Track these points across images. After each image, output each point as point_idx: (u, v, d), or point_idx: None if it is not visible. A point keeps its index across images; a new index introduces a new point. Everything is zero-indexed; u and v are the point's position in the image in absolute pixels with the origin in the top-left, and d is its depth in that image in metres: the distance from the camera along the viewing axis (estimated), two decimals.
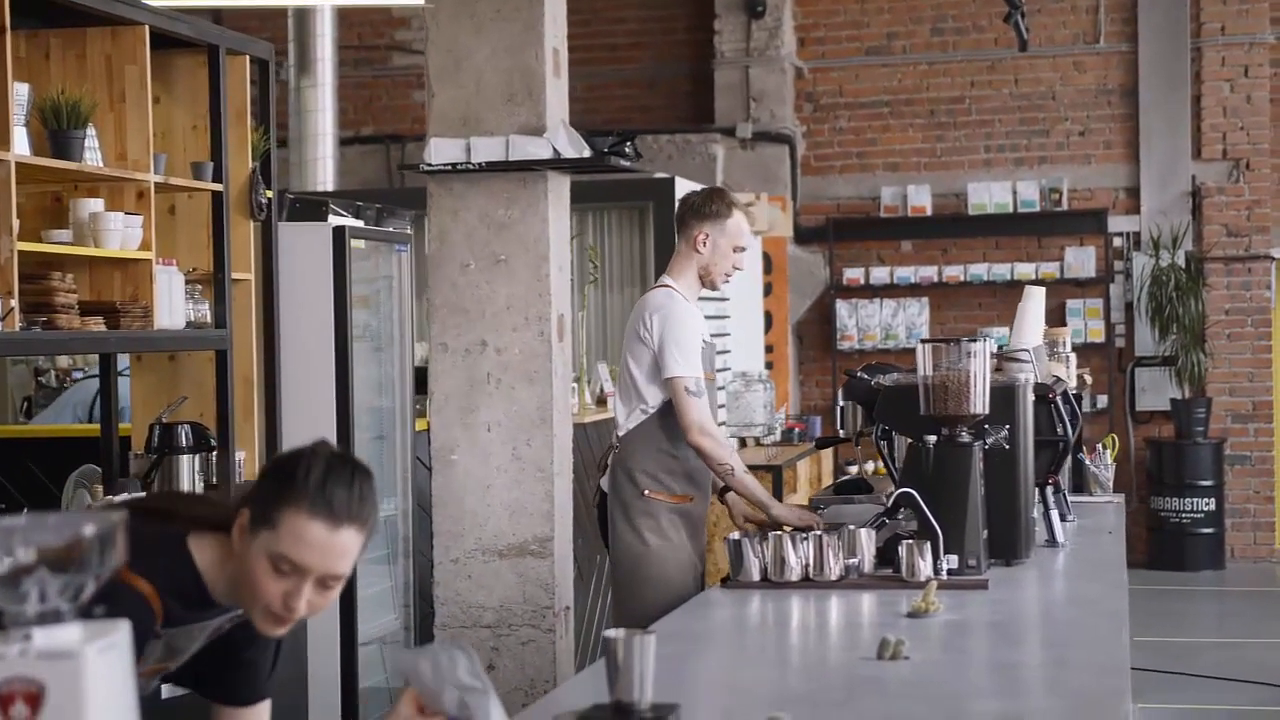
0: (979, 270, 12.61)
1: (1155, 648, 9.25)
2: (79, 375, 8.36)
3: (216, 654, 2.78)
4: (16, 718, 1.69)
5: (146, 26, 5.16)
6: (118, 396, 5.71)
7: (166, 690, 4.76)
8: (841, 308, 12.82)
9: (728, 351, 10.30)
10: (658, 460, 5.18)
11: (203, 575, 2.65)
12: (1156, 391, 12.46)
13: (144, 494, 4.87)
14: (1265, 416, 12.49)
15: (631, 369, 5.21)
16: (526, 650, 5.59)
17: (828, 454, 10.99)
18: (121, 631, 1.76)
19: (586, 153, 5.51)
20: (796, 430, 10.78)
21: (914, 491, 4.26)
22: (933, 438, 4.34)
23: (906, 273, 12.74)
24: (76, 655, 1.71)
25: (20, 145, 4.65)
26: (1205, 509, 12.09)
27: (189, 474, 5.39)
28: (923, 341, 4.41)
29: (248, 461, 5.83)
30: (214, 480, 5.59)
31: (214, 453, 5.56)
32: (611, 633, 2.74)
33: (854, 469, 10.16)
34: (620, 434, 5.29)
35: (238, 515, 2.61)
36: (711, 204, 5.25)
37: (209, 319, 5.55)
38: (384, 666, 6.66)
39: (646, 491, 5.16)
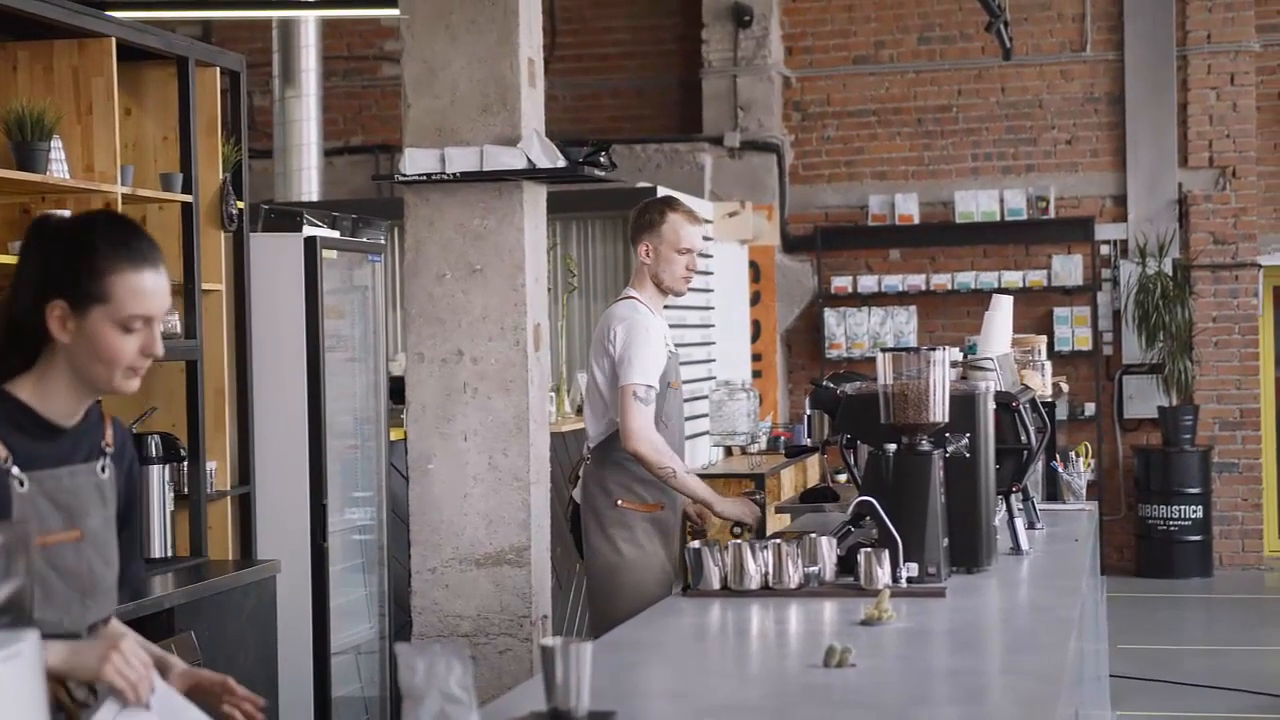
0: (966, 279, 12.63)
1: (1140, 655, 9.26)
2: None
3: None
4: None
5: (113, 39, 5.18)
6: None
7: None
8: (830, 316, 12.84)
9: (713, 360, 10.32)
10: (629, 470, 5.23)
11: (31, 407, 2.72)
12: (1144, 399, 12.47)
13: None
14: (1253, 424, 12.50)
15: (599, 381, 5.27)
16: (504, 659, 5.59)
17: (814, 462, 11.00)
18: (28, 642, 1.78)
19: (561, 163, 5.52)
20: (783, 439, 10.77)
21: (874, 500, 4.27)
22: (893, 446, 4.35)
23: (894, 281, 12.76)
24: None
25: None
26: (1193, 516, 12.10)
27: (159, 484, 5.40)
28: (883, 350, 4.43)
29: (219, 472, 5.84)
30: (185, 490, 5.60)
31: (184, 463, 5.57)
32: (547, 641, 2.76)
33: (843, 478, 10.15)
34: (591, 445, 5.33)
35: (47, 313, 2.69)
36: (646, 214, 5.35)
37: (179, 329, 5.57)
38: (359, 676, 6.67)
39: (620, 501, 5.21)
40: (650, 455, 5.13)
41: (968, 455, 4.47)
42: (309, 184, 10.92)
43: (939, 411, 4.34)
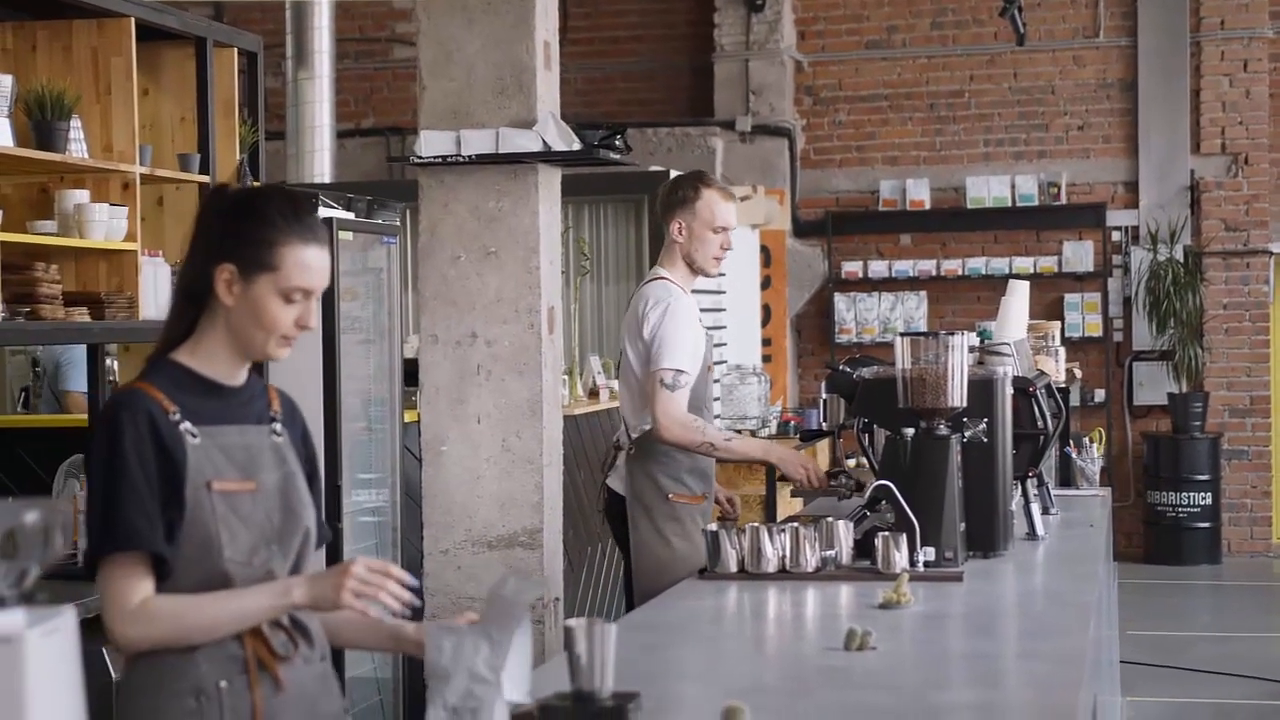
0: (977, 264, 12.63)
1: (1149, 641, 9.26)
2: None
3: None
4: None
5: (132, 19, 5.18)
6: (103, 385, 5.72)
7: None
8: (840, 301, 12.84)
9: (724, 344, 10.32)
10: (678, 461, 5.15)
11: (195, 370, 2.83)
12: (1154, 386, 12.47)
13: None
14: (1262, 411, 12.50)
15: (635, 368, 5.16)
16: None
17: (825, 446, 11.00)
18: (65, 616, 1.79)
19: (576, 146, 5.50)
20: (793, 423, 10.77)
21: (891, 484, 4.28)
22: (910, 430, 4.35)
23: (905, 266, 12.76)
24: (18, 640, 1.73)
25: (3, 136, 4.68)
26: (1202, 503, 12.10)
27: None
28: (901, 334, 4.43)
29: None
30: None
31: None
32: (572, 622, 2.76)
33: (852, 462, 10.14)
34: (634, 435, 5.24)
35: (215, 275, 2.78)
36: (678, 190, 5.24)
37: None
38: (372, 656, 6.68)
39: (671, 495, 5.14)
40: (688, 440, 5.02)
41: (985, 440, 4.47)
42: (321, 166, 10.91)
43: (957, 396, 4.34)
